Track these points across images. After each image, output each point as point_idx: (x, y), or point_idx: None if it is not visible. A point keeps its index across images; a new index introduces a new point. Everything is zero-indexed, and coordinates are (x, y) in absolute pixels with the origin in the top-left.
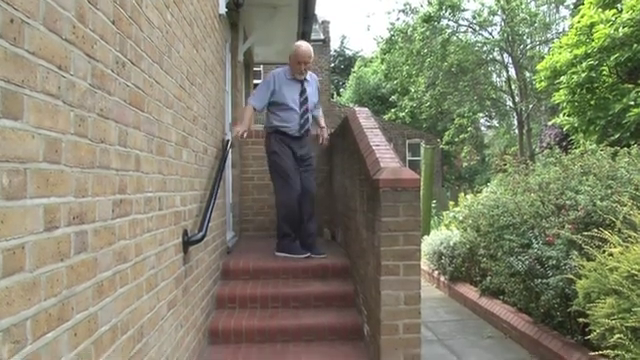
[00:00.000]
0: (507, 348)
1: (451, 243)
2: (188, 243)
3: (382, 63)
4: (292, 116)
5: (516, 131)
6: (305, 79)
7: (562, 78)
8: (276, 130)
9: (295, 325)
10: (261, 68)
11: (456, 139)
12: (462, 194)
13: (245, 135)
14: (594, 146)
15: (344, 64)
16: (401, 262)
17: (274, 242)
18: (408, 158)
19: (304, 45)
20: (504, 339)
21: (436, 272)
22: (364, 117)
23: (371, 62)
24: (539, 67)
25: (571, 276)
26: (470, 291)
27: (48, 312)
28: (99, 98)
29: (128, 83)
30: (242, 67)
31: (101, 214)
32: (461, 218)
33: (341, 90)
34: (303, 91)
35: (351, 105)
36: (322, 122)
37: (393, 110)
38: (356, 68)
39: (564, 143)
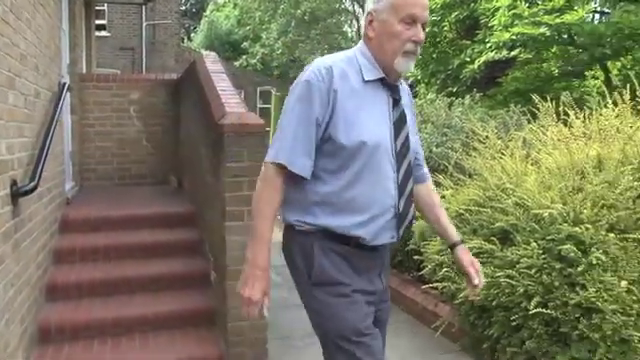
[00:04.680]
0: None
1: None
2: (18, 194)
3: (235, 8)
4: (380, 185)
5: None
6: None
7: None
8: (325, 230)
9: (141, 275)
10: (105, 7)
11: None
12: None
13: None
14: (433, 96)
15: (196, 7)
16: (246, 208)
17: (119, 191)
18: (259, 105)
19: None
20: None
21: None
22: (211, 61)
23: (224, 7)
24: None
25: None
26: None
27: None
28: None
29: None
30: (82, 4)
31: None
32: None
33: (192, 35)
34: (401, 117)
35: (202, 51)
36: (443, 217)
37: (245, 57)
38: (208, 12)
39: None
